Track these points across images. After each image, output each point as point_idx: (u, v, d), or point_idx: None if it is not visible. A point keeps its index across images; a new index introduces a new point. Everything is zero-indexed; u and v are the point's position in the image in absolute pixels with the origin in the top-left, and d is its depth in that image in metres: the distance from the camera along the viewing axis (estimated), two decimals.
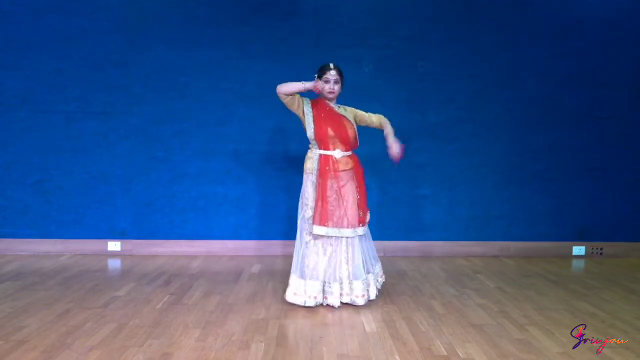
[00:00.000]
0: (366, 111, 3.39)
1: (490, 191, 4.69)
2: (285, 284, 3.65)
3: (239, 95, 4.57)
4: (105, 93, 4.52)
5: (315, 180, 3.22)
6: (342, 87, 3.27)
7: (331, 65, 3.19)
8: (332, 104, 3.29)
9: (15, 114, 4.52)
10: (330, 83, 3.19)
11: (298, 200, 3.34)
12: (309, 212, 3.23)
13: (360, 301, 3.19)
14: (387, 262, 4.43)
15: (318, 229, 3.15)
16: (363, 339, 2.70)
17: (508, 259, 4.60)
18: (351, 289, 3.20)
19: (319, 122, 3.21)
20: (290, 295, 3.22)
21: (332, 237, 3.19)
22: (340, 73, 3.23)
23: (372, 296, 3.28)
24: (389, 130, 3.36)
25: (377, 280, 3.38)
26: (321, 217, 3.15)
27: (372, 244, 3.43)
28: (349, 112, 3.31)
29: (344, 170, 3.23)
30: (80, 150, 4.55)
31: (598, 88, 4.67)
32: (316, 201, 3.18)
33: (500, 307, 3.25)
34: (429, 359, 2.47)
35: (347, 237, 3.21)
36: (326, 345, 2.61)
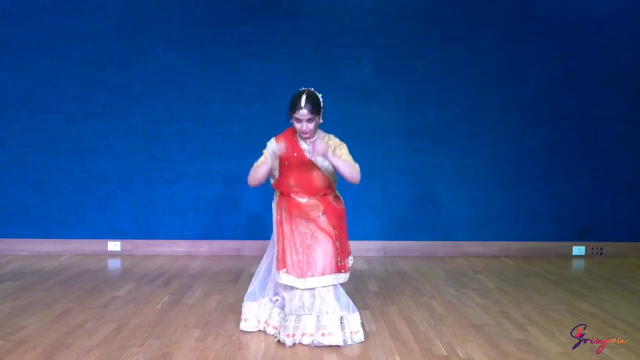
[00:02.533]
0: (349, 150, 2.74)
1: (490, 191, 4.69)
2: None
3: (239, 95, 4.57)
4: (105, 93, 4.52)
5: (279, 219, 2.77)
6: (321, 118, 2.71)
7: (301, 103, 2.60)
8: (306, 143, 2.73)
9: (15, 114, 4.52)
10: (302, 123, 2.65)
11: None
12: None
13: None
14: (387, 262, 4.43)
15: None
16: (364, 339, 2.70)
17: (508, 259, 4.60)
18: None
19: (281, 171, 2.76)
20: None
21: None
22: (313, 108, 2.63)
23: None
24: (333, 159, 2.62)
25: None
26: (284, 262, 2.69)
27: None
28: (326, 149, 2.67)
29: (314, 216, 2.72)
30: (80, 150, 4.55)
31: (598, 88, 4.66)
32: (283, 245, 2.72)
33: (500, 307, 3.25)
34: (429, 359, 2.46)
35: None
36: (326, 345, 2.61)
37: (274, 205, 2.86)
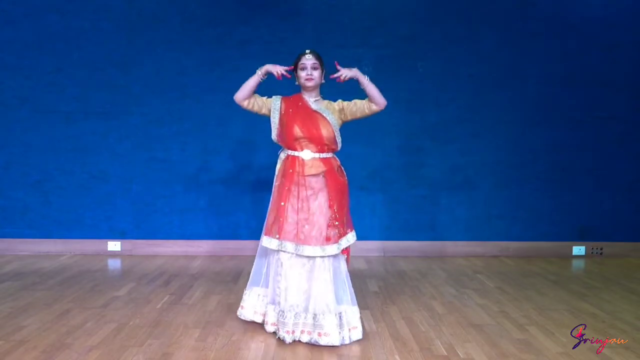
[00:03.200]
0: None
1: (490, 191, 4.69)
2: None
3: None
4: (105, 93, 4.52)
5: (277, 185, 2.82)
6: (323, 76, 2.80)
7: (307, 50, 2.79)
8: (310, 98, 2.80)
9: (15, 114, 4.52)
10: (307, 69, 2.73)
11: None
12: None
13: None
14: (387, 262, 4.43)
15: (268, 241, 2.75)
16: (363, 339, 2.70)
17: (508, 259, 4.60)
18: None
19: (284, 120, 2.77)
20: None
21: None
22: (319, 58, 2.78)
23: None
24: (366, 78, 2.74)
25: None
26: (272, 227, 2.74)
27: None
28: (333, 108, 2.80)
29: (312, 175, 2.73)
30: (80, 150, 4.55)
31: (598, 88, 4.66)
32: (275, 213, 2.75)
33: (500, 307, 3.25)
34: (429, 359, 2.47)
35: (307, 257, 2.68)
36: (322, 345, 2.61)
37: (277, 170, 2.89)
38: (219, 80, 4.54)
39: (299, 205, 2.70)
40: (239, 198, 4.61)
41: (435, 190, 4.67)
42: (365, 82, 2.72)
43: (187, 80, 4.54)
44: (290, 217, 2.70)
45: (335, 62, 2.77)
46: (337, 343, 2.58)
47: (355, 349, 2.57)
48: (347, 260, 2.82)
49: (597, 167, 4.72)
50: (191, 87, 4.55)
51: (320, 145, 2.75)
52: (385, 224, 4.67)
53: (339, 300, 2.69)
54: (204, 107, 4.56)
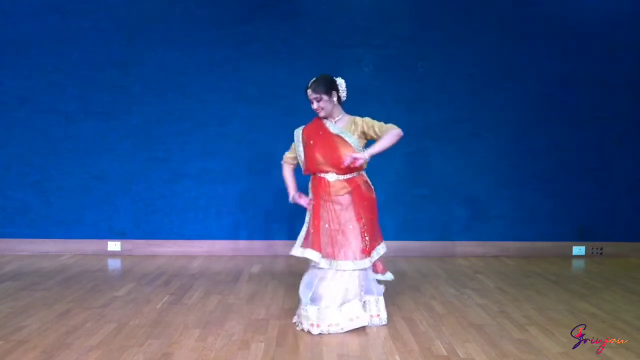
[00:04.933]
0: (379, 121, 2.91)
1: (490, 191, 4.69)
2: (285, 284, 3.66)
3: (239, 95, 4.57)
4: (105, 93, 4.53)
5: (309, 203, 2.93)
6: (331, 98, 2.83)
7: (308, 84, 2.84)
8: (330, 121, 2.89)
9: (15, 114, 4.52)
10: (313, 103, 2.85)
11: None
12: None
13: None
14: (388, 262, 4.41)
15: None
16: (363, 339, 2.70)
17: (508, 259, 4.60)
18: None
19: (306, 151, 2.90)
20: None
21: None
22: (319, 87, 2.80)
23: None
24: (373, 149, 2.82)
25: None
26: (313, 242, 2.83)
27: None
28: (355, 128, 2.86)
29: (339, 196, 2.84)
30: (80, 150, 4.55)
31: (598, 88, 4.67)
32: (309, 227, 2.88)
33: (500, 307, 3.25)
34: (429, 359, 2.47)
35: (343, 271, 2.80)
36: (326, 345, 2.61)
37: (309, 187, 3.00)
38: (219, 80, 4.54)
39: (330, 219, 2.82)
40: (239, 198, 4.61)
41: (435, 190, 4.67)
42: (377, 150, 2.80)
43: (187, 80, 4.54)
44: (324, 233, 2.82)
45: (348, 159, 2.74)
46: (365, 324, 2.80)
47: (355, 349, 2.57)
48: (382, 270, 3.03)
49: (597, 167, 4.72)
50: (191, 87, 4.55)
51: (339, 169, 2.83)
52: (385, 224, 4.64)
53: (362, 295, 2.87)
54: (204, 107, 4.56)
